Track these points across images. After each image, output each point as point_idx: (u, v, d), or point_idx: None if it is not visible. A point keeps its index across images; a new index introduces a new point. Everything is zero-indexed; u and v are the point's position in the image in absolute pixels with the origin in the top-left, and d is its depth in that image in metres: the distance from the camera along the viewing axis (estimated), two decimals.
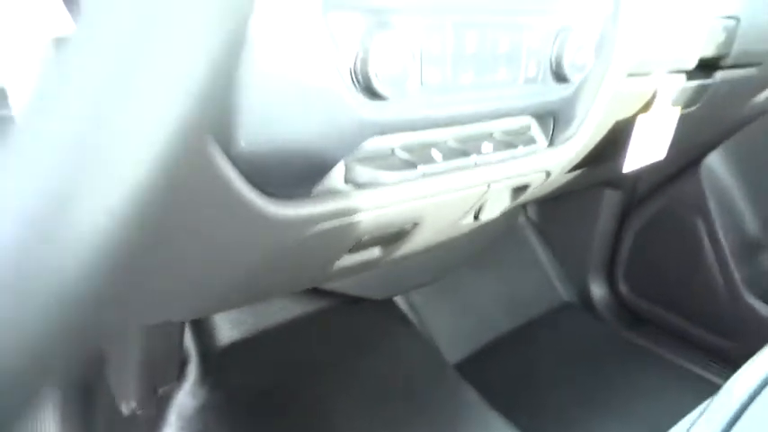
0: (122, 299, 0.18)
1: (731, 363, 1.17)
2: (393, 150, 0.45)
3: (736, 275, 1.18)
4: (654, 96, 0.76)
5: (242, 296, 0.59)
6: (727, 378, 1.14)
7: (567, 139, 0.60)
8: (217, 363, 0.85)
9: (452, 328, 1.20)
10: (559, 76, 0.52)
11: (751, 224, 1.20)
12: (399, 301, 1.12)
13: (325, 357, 0.95)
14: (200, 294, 0.54)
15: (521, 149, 0.53)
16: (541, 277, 1.38)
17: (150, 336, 0.66)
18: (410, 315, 1.13)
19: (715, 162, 1.20)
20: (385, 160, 0.45)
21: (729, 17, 0.81)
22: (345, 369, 0.93)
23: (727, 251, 1.18)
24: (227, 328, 0.88)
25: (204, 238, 0.42)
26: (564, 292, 1.39)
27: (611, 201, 1.32)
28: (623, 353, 1.26)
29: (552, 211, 1.38)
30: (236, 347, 0.87)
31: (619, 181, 1.28)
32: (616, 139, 0.78)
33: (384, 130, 0.42)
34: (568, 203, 1.34)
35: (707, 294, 1.22)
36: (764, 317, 1.14)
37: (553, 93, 0.53)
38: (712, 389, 1.13)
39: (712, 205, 1.19)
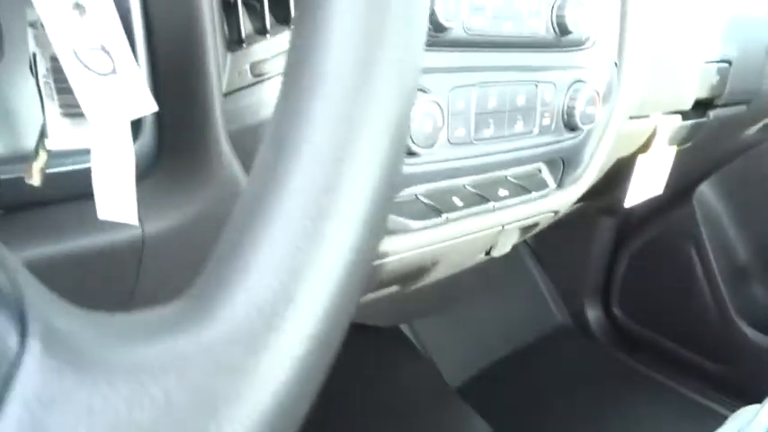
0: None
1: (723, 388, 1.21)
2: (417, 197, 0.48)
3: (728, 302, 1.21)
4: (653, 135, 0.80)
5: None
6: (719, 403, 1.17)
7: (575, 181, 0.63)
8: None
9: (453, 351, 1.22)
10: (571, 126, 0.55)
11: (742, 252, 1.24)
12: (403, 327, 1.15)
13: (333, 383, 0.97)
14: None
15: (534, 194, 0.56)
16: (538, 301, 1.41)
17: None
18: (413, 340, 1.15)
19: (707, 191, 1.24)
20: (410, 207, 0.47)
21: (722, 60, 0.85)
22: (353, 394, 0.95)
23: (718, 278, 1.22)
24: None
25: None
26: (560, 316, 1.42)
27: (606, 227, 1.36)
28: (618, 376, 1.29)
29: (549, 237, 1.41)
30: None
31: (614, 208, 1.31)
32: (615, 174, 0.82)
33: (413, 181, 0.45)
34: (565, 229, 1.37)
35: (699, 320, 1.25)
36: (755, 343, 1.18)
37: (564, 141, 0.56)
38: (705, 413, 1.16)
39: (704, 233, 1.23)
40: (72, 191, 0.35)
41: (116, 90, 0.25)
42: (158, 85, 0.36)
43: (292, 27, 0.17)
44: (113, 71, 0.25)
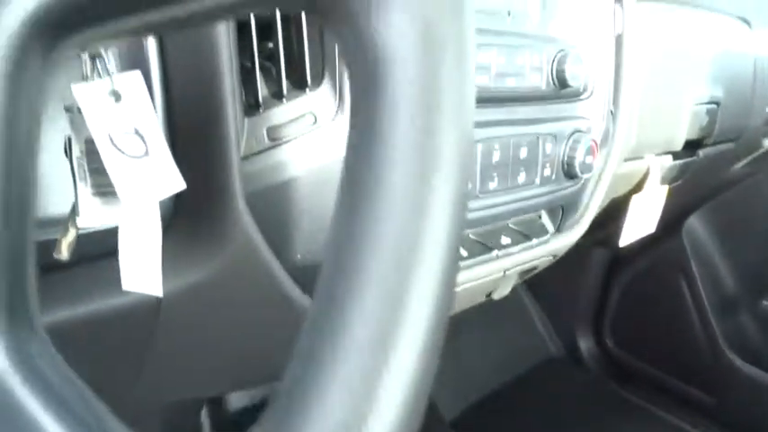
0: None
1: (714, 419, 1.22)
2: None
3: (718, 333, 1.23)
4: (645, 175, 0.82)
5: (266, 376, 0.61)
6: None
7: (573, 225, 0.65)
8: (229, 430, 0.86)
9: (447, 383, 1.23)
10: (570, 175, 0.57)
11: (730, 283, 1.27)
12: None
13: None
14: (230, 375, 0.56)
15: (534, 241, 0.57)
16: (531, 332, 1.42)
17: (171, 411, 0.67)
18: None
19: (696, 224, 1.26)
20: None
21: (712, 102, 0.88)
22: None
23: (708, 309, 1.24)
24: (237, 397, 0.90)
25: (255, 327, 0.45)
26: (553, 347, 1.43)
27: (598, 258, 1.37)
28: (611, 406, 1.30)
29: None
30: (247, 414, 0.89)
31: (606, 241, 1.33)
32: (609, 212, 0.83)
33: None
34: (557, 261, 1.39)
35: (690, 350, 1.27)
36: (744, 374, 1.19)
37: (564, 189, 0.58)
38: None
39: (694, 264, 1.25)
40: (91, 253, 0.35)
41: (148, 172, 0.26)
42: (177, 148, 0.37)
43: (347, 150, 0.18)
44: (146, 153, 0.26)
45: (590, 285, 1.39)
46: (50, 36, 0.13)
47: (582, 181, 0.60)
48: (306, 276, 0.41)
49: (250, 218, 0.38)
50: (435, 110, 0.16)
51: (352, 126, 0.17)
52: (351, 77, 0.17)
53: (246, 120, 0.37)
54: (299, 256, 0.40)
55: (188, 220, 0.38)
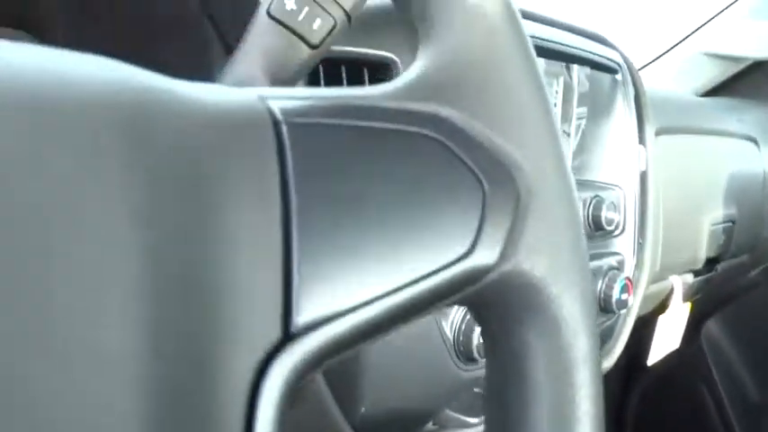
0: None
1: None
2: (475, 391, 0.51)
3: None
4: (669, 294, 0.85)
5: None
6: None
7: (606, 355, 0.66)
8: None
9: None
10: (607, 310, 0.59)
11: (752, 391, 1.26)
12: None
13: None
14: None
15: None
16: None
17: None
18: None
19: (714, 328, 1.27)
20: (470, 403, 0.50)
21: (727, 221, 0.91)
22: None
23: (732, 417, 1.23)
24: None
25: None
26: None
27: (617, 364, 1.37)
28: None
29: None
30: None
31: (626, 349, 1.33)
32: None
33: (476, 384, 0.48)
34: None
35: None
36: None
37: (601, 324, 0.60)
38: None
39: (715, 371, 1.25)
40: None
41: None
42: None
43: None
44: None
45: (610, 390, 1.38)
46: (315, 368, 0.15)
47: (617, 315, 0.62)
48: (368, 429, 0.43)
49: (320, 376, 0.40)
50: (572, 395, 0.19)
51: (490, 393, 0.20)
52: (489, 351, 0.20)
53: None
54: (363, 409, 0.42)
55: None
